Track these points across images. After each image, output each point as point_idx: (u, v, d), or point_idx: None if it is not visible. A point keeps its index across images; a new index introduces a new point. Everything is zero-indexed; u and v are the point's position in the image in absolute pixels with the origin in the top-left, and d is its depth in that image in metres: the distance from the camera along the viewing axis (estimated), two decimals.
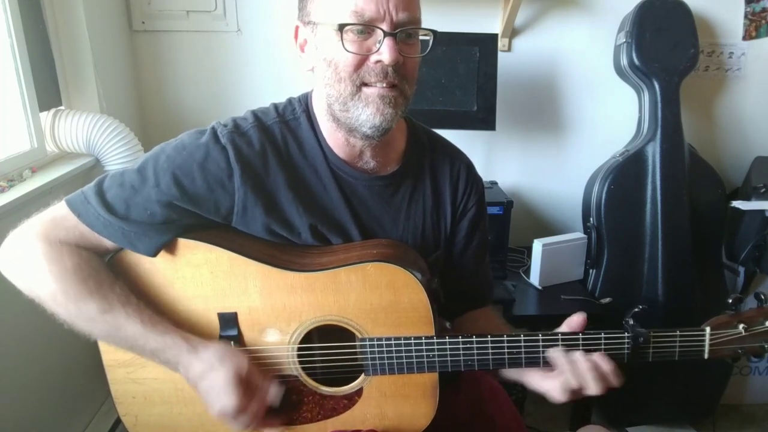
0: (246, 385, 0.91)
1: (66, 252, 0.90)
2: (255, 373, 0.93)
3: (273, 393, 0.94)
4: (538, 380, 0.98)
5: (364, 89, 0.92)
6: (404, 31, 0.90)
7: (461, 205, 1.12)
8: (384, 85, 0.91)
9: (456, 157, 1.13)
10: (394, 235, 1.06)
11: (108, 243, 0.94)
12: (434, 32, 0.95)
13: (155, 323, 0.92)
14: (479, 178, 1.16)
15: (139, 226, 0.92)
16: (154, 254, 0.94)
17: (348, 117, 0.94)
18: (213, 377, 0.90)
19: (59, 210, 0.93)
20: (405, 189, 1.07)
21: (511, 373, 1.04)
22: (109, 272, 0.94)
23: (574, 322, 0.97)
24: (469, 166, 1.14)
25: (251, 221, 0.98)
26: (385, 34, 0.88)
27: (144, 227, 0.92)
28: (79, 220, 0.91)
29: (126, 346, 0.94)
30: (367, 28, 0.89)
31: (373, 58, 0.90)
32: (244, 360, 0.92)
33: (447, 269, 1.14)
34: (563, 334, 0.95)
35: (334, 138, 1.00)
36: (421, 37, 0.95)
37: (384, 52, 0.88)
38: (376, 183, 1.04)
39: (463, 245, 1.14)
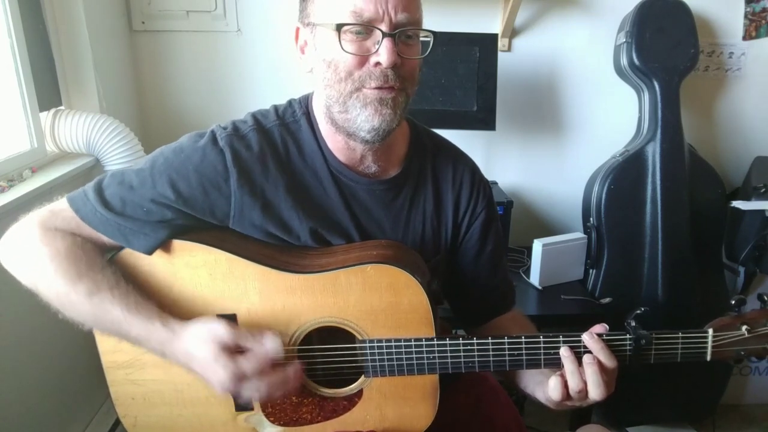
0: (234, 349, 0.87)
1: (59, 236, 0.92)
2: (240, 335, 0.88)
3: (270, 342, 0.88)
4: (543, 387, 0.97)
5: (364, 89, 0.91)
6: (403, 32, 0.89)
7: (468, 211, 1.10)
8: (384, 87, 0.90)
9: (459, 162, 1.11)
10: (394, 239, 1.05)
11: (105, 239, 0.94)
12: (434, 33, 0.94)
13: (140, 309, 0.90)
14: (485, 181, 1.14)
15: (135, 222, 0.93)
16: (150, 252, 0.94)
17: (347, 119, 0.93)
18: (199, 356, 0.87)
19: (59, 204, 0.95)
20: (406, 193, 1.06)
21: (527, 383, 1.04)
22: (102, 257, 0.94)
23: (595, 331, 0.95)
24: (474, 170, 1.13)
25: (248, 225, 0.98)
26: (384, 34, 0.87)
27: (140, 224, 0.93)
28: (76, 215, 0.92)
29: (113, 331, 0.92)
30: (365, 28, 0.88)
31: (372, 59, 0.89)
32: (221, 327, 0.87)
33: (463, 276, 1.14)
34: (564, 334, 0.95)
35: (334, 141, 1.00)
36: (421, 38, 0.94)
37: (382, 53, 0.88)
38: (377, 187, 1.03)
39: (477, 250, 1.12)
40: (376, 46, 0.89)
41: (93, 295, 0.90)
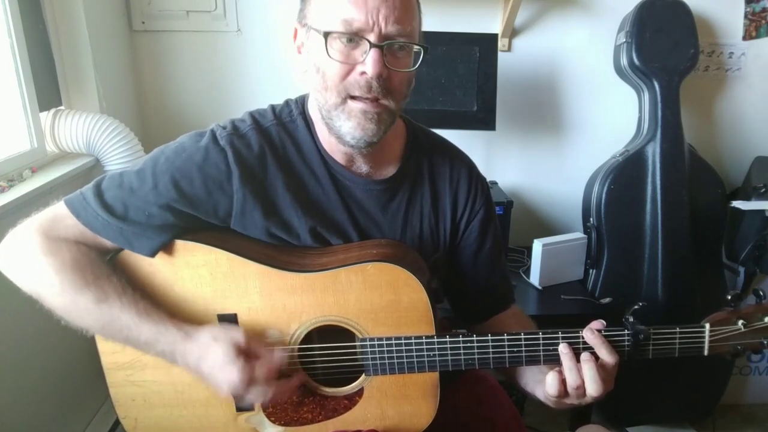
0: (247, 354, 0.90)
1: (64, 246, 0.92)
2: (254, 341, 0.92)
3: (278, 354, 0.93)
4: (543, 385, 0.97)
5: (350, 102, 0.91)
6: (392, 44, 0.88)
7: (467, 209, 1.10)
8: (368, 98, 0.90)
9: (456, 160, 1.12)
10: (392, 238, 1.05)
11: (107, 243, 0.94)
12: (425, 48, 0.93)
13: (150, 313, 0.92)
14: (483, 179, 1.14)
15: (137, 226, 0.93)
16: (152, 254, 0.95)
17: (333, 125, 0.94)
18: (211, 356, 0.89)
19: (58, 210, 0.94)
20: (403, 193, 1.06)
21: (528, 382, 1.04)
22: (106, 264, 0.94)
23: (593, 327, 0.95)
24: (471, 168, 1.13)
25: (250, 223, 0.98)
26: (371, 45, 0.87)
27: (142, 227, 0.93)
28: (77, 221, 0.92)
29: (121, 337, 0.93)
30: (354, 36, 0.87)
31: (359, 68, 0.89)
32: (239, 332, 0.91)
33: (463, 274, 1.13)
34: (563, 331, 0.95)
35: (328, 141, 1.00)
36: (415, 48, 0.93)
37: (368, 63, 0.87)
38: (373, 187, 1.04)
39: (476, 247, 1.12)
40: (364, 56, 0.88)
41: (101, 302, 0.90)
